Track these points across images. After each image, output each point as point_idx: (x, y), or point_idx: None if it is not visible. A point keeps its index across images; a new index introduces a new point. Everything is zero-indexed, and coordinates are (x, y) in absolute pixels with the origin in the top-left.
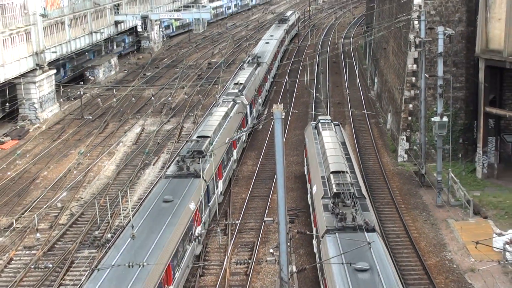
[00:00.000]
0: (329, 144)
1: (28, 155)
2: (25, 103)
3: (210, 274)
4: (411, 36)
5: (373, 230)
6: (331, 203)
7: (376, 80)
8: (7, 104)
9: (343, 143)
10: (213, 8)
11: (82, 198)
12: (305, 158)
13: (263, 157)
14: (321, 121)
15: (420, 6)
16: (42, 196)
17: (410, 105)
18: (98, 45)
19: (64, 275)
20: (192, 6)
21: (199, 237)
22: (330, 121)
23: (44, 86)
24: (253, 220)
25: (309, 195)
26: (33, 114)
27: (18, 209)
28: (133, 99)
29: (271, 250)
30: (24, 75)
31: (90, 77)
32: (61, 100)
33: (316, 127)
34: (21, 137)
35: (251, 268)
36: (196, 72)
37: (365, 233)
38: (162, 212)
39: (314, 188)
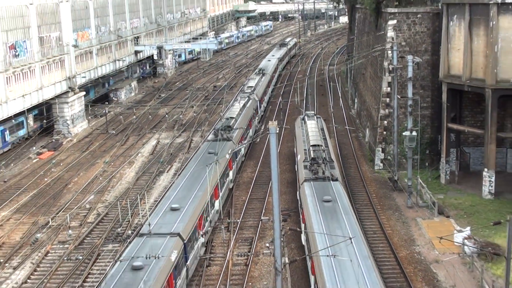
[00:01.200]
0: (311, 128)
1: (61, 164)
2: (59, 120)
3: (215, 265)
4: (385, 64)
5: (336, 180)
6: (308, 163)
7: (356, 101)
8: (45, 120)
9: (322, 129)
10: (225, 38)
11: (106, 200)
12: (295, 140)
13: (260, 165)
14: (307, 114)
15: (392, 38)
16: (73, 198)
17: (385, 122)
18: (120, 71)
19: (92, 265)
20: (200, 38)
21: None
22: (313, 114)
23: (75, 105)
24: (252, 219)
25: (296, 166)
26: (66, 129)
27: (54, 209)
28: (150, 116)
29: (267, 244)
30: (58, 96)
31: (113, 98)
32: (89, 117)
33: (303, 119)
34: (56, 149)
35: (250, 259)
36: (203, 93)
37: (331, 181)
38: (209, 159)
39: (299, 156)
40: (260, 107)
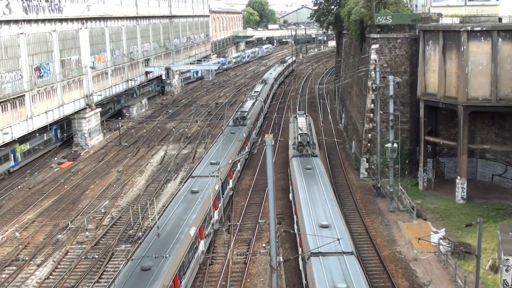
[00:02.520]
0: (301, 122)
1: (79, 173)
2: (77, 133)
3: (217, 263)
4: (369, 83)
5: (316, 156)
6: (296, 145)
7: (343, 116)
8: (65, 134)
9: (309, 124)
10: (234, 58)
11: (120, 205)
12: (288, 133)
13: (257, 174)
14: (298, 113)
15: (375, 60)
16: (90, 204)
17: (369, 135)
18: (132, 89)
19: (107, 263)
20: (204, 60)
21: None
22: (303, 113)
23: (92, 120)
24: (250, 222)
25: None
26: (84, 142)
27: (73, 213)
28: (158, 130)
29: (264, 245)
30: (77, 112)
31: (126, 113)
32: (105, 131)
33: (295, 117)
34: (74, 159)
35: (248, 258)
36: (206, 110)
37: (312, 157)
38: (231, 137)
39: (290, 142)
40: (265, 105)
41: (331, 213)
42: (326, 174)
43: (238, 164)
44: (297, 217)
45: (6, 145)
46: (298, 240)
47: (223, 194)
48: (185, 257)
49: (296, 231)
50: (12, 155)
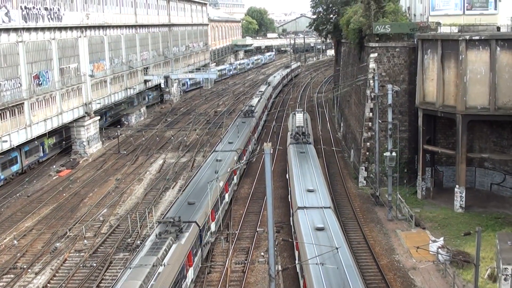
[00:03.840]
0: (298, 117)
1: (78, 181)
2: (76, 141)
3: (215, 272)
4: (368, 92)
5: (310, 143)
6: (293, 135)
7: (342, 124)
8: (64, 142)
9: (306, 119)
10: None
11: (118, 213)
12: (288, 128)
13: (256, 182)
14: (297, 110)
15: (374, 69)
16: (88, 211)
17: (368, 143)
18: (131, 98)
19: (105, 272)
20: (203, 69)
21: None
22: (301, 110)
23: (91, 128)
24: (248, 230)
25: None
26: (82, 150)
27: (71, 221)
28: (157, 138)
29: (262, 253)
30: (76, 120)
31: (125, 122)
32: (103, 139)
33: (294, 113)
34: (73, 167)
35: (247, 267)
36: (205, 118)
37: (306, 144)
38: (243, 126)
39: (289, 133)
40: (268, 103)
41: (317, 183)
42: (316, 157)
43: (250, 146)
44: (290, 187)
45: (37, 138)
46: (290, 202)
47: (239, 162)
48: (217, 199)
49: (289, 197)
50: (41, 147)
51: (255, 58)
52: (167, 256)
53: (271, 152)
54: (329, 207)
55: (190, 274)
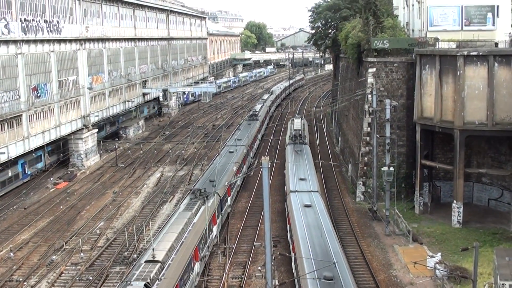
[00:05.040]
0: (297, 122)
1: (75, 194)
2: (74, 154)
3: (212, 286)
4: (366, 106)
5: (306, 143)
6: (292, 137)
7: (340, 139)
8: (61, 154)
9: (304, 124)
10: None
11: (115, 227)
12: (286, 131)
13: (253, 196)
14: (295, 116)
15: (372, 84)
16: (85, 224)
17: (366, 158)
18: (129, 110)
19: (101, 285)
20: (201, 82)
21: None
22: (300, 116)
23: (88, 141)
24: (246, 244)
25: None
26: (80, 162)
27: (68, 234)
28: (155, 151)
29: (259, 268)
30: (74, 133)
31: (123, 134)
32: (101, 151)
33: (292, 119)
34: (70, 179)
35: (243, 281)
36: (203, 131)
37: (302, 144)
38: (248, 128)
39: (287, 135)
40: (270, 109)
41: (308, 173)
42: (310, 154)
43: (255, 144)
44: (286, 177)
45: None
46: (285, 188)
47: (247, 155)
48: (232, 178)
49: (285, 186)
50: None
51: (258, 71)
52: (198, 213)
53: (269, 166)
54: (317, 191)
55: (215, 230)
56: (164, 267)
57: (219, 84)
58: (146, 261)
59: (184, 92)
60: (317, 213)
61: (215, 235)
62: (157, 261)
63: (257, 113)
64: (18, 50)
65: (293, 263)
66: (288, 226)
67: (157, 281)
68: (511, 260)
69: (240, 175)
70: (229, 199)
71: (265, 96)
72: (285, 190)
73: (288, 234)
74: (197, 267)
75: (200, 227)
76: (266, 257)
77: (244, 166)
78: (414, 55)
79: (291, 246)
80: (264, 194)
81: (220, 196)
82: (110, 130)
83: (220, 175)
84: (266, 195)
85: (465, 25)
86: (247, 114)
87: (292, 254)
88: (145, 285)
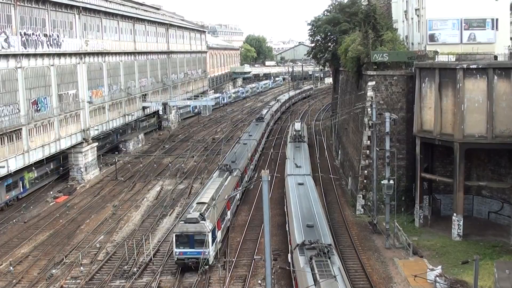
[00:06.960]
0: (297, 125)
1: (75, 207)
2: (74, 167)
3: None
4: (366, 120)
5: (305, 142)
6: (292, 137)
7: (339, 152)
8: (61, 168)
9: (303, 127)
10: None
11: (115, 240)
12: (287, 134)
13: (253, 209)
14: (296, 120)
15: (372, 97)
16: (85, 238)
17: (365, 171)
18: (129, 124)
19: None
20: (201, 96)
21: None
22: (300, 120)
23: (88, 155)
24: (246, 258)
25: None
26: (80, 176)
27: (67, 248)
28: (155, 165)
29: (259, 281)
30: (74, 146)
31: (123, 148)
32: (101, 165)
33: (293, 123)
34: (70, 193)
35: None
36: (203, 145)
37: (302, 143)
38: (256, 127)
39: (289, 137)
40: (275, 115)
41: (303, 162)
42: (307, 149)
43: (261, 144)
44: (285, 166)
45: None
46: (284, 173)
47: (257, 148)
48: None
49: (284, 173)
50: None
51: (264, 83)
52: (227, 180)
53: (269, 179)
54: (309, 175)
55: (238, 195)
56: (209, 207)
57: (229, 94)
58: (197, 203)
59: (190, 108)
60: (307, 189)
61: (238, 198)
62: (205, 203)
63: (263, 116)
64: (18, 64)
65: (287, 225)
66: (285, 200)
67: (206, 213)
68: None
69: (254, 161)
70: (246, 177)
71: (271, 103)
72: (284, 174)
73: (285, 208)
74: (229, 213)
75: (229, 188)
76: (266, 270)
77: (256, 154)
78: (414, 68)
79: (286, 212)
80: (264, 208)
81: (241, 171)
82: (108, 144)
83: (239, 157)
84: (266, 208)
85: (465, 38)
86: (255, 118)
87: (287, 218)
88: (199, 215)
